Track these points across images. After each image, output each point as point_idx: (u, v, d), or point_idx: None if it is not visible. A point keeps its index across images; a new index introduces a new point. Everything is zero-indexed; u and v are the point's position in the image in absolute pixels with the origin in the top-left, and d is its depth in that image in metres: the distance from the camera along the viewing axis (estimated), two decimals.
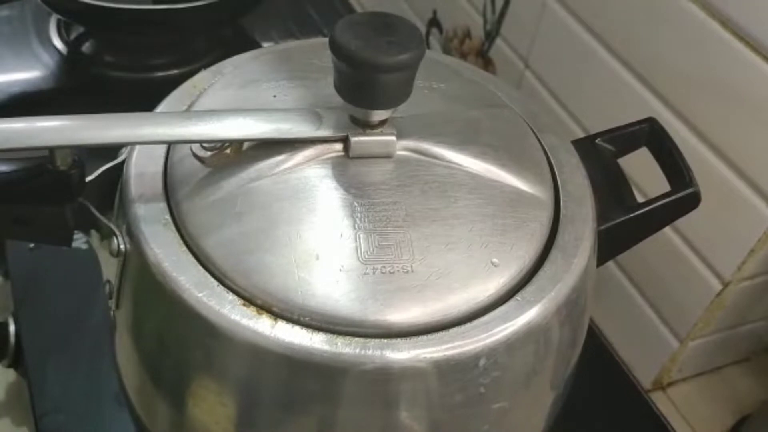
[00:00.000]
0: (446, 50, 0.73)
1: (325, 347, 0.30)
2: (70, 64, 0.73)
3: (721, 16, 0.44)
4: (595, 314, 0.60)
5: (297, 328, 0.30)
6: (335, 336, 0.30)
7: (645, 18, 0.49)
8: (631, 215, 0.39)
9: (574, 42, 0.55)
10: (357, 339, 0.30)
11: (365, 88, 0.33)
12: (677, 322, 0.53)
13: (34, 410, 0.48)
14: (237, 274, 0.31)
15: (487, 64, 0.67)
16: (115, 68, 0.73)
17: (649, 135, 0.42)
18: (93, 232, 0.37)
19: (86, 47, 0.74)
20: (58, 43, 0.74)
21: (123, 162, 0.36)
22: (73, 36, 0.75)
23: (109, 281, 0.36)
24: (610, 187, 0.40)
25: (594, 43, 0.54)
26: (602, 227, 0.38)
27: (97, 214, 0.35)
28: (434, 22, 0.74)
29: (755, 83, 0.43)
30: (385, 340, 0.30)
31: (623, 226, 0.39)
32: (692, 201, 0.40)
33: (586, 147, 0.41)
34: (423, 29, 0.75)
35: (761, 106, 0.43)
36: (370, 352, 0.30)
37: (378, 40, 0.31)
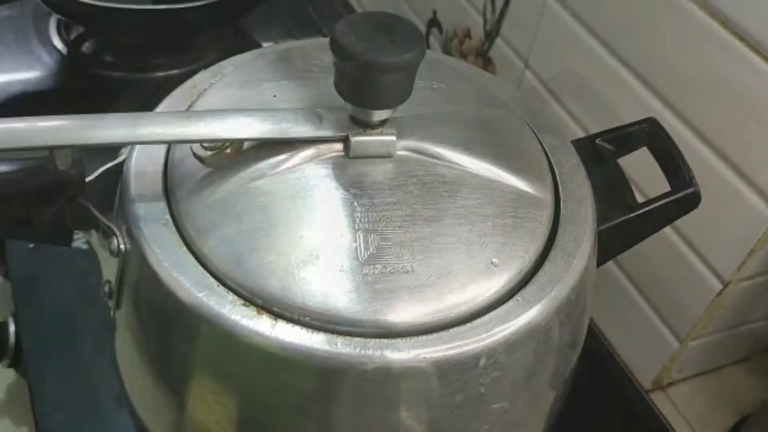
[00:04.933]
0: (446, 50, 0.73)
1: (325, 347, 0.30)
2: (70, 64, 0.73)
3: (721, 16, 0.44)
4: (595, 314, 0.60)
5: (297, 328, 0.30)
6: (335, 336, 0.30)
7: (645, 18, 0.49)
8: (631, 215, 0.39)
9: (574, 42, 0.55)
10: (357, 339, 0.30)
11: (366, 88, 0.33)
12: (677, 322, 0.53)
13: (34, 410, 0.48)
14: (237, 274, 0.31)
15: (487, 64, 0.67)
16: (115, 68, 0.73)
17: (649, 135, 0.42)
18: (93, 232, 0.36)
19: (86, 47, 0.74)
20: (58, 43, 0.74)
21: (123, 162, 0.36)
22: (73, 36, 0.75)
23: (109, 281, 0.36)
24: (610, 187, 0.40)
25: (594, 42, 0.54)
26: (602, 227, 0.38)
27: (97, 214, 0.35)
28: (434, 22, 0.74)
29: (755, 83, 0.43)
30: (385, 340, 0.30)
31: (623, 226, 0.39)
32: (692, 201, 0.40)
33: (586, 147, 0.41)
34: (423, 29, 0.75)
35: (761, 105, 0.43)
36: (370, 352, 0.30)
37: (379, 40, 0.31)
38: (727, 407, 0.57)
